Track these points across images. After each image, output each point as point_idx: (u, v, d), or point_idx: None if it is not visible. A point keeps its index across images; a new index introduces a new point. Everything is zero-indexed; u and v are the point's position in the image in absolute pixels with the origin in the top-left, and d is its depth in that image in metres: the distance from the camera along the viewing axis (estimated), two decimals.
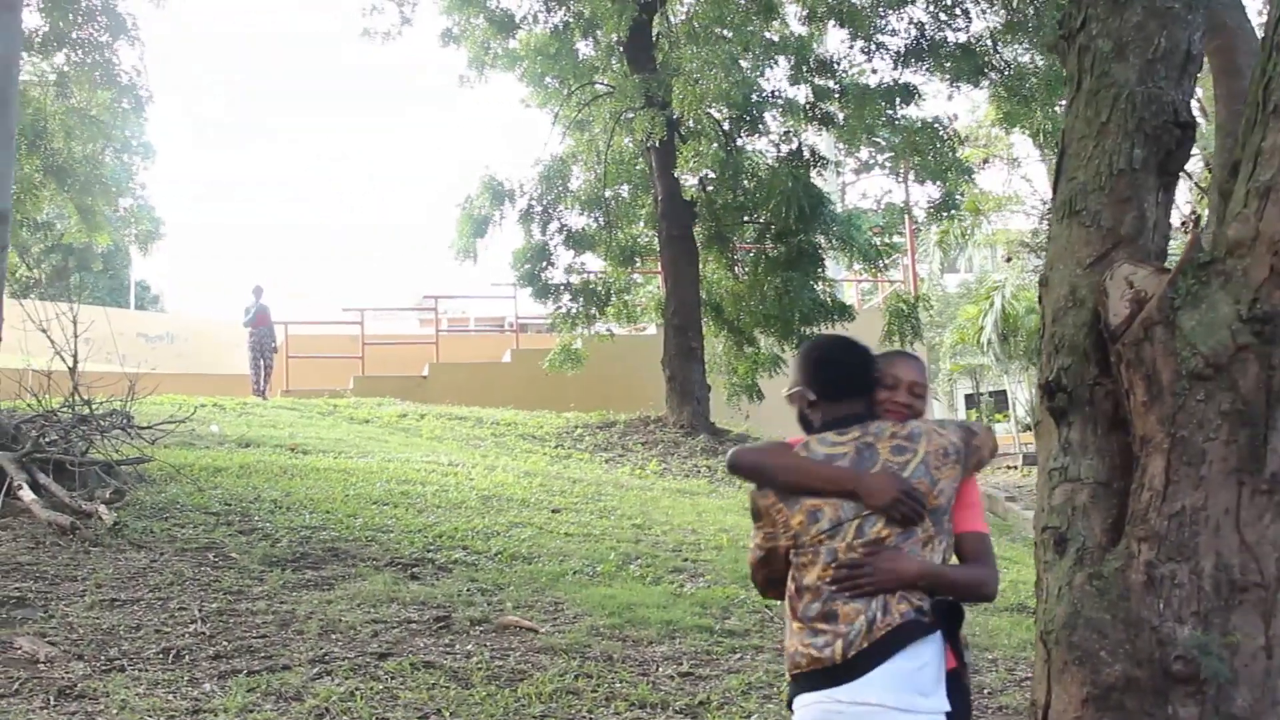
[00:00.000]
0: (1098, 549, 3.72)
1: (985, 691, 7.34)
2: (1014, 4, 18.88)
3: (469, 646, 7.40)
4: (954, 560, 3.85)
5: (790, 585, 3.79)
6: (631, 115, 19.98)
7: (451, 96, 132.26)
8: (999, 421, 35.59)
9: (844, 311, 20.27)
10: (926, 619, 3.64)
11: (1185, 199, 27.50)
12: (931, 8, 19.66)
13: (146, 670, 6.64)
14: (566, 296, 22.17)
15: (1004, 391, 35.25)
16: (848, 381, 3.91)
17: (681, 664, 7.41)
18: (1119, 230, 3.88)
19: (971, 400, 44.12)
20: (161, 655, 6.89)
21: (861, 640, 3.58)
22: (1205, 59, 8.66)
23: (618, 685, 6.88)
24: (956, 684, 4.02)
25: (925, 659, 3.61)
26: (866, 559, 3.63)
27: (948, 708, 3.64)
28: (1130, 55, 3.96)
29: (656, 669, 7.29)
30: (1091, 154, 3.98)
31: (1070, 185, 4.02)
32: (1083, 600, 3.67)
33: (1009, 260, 34.23)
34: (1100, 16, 4.04)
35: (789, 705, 3.79)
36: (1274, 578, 3.51)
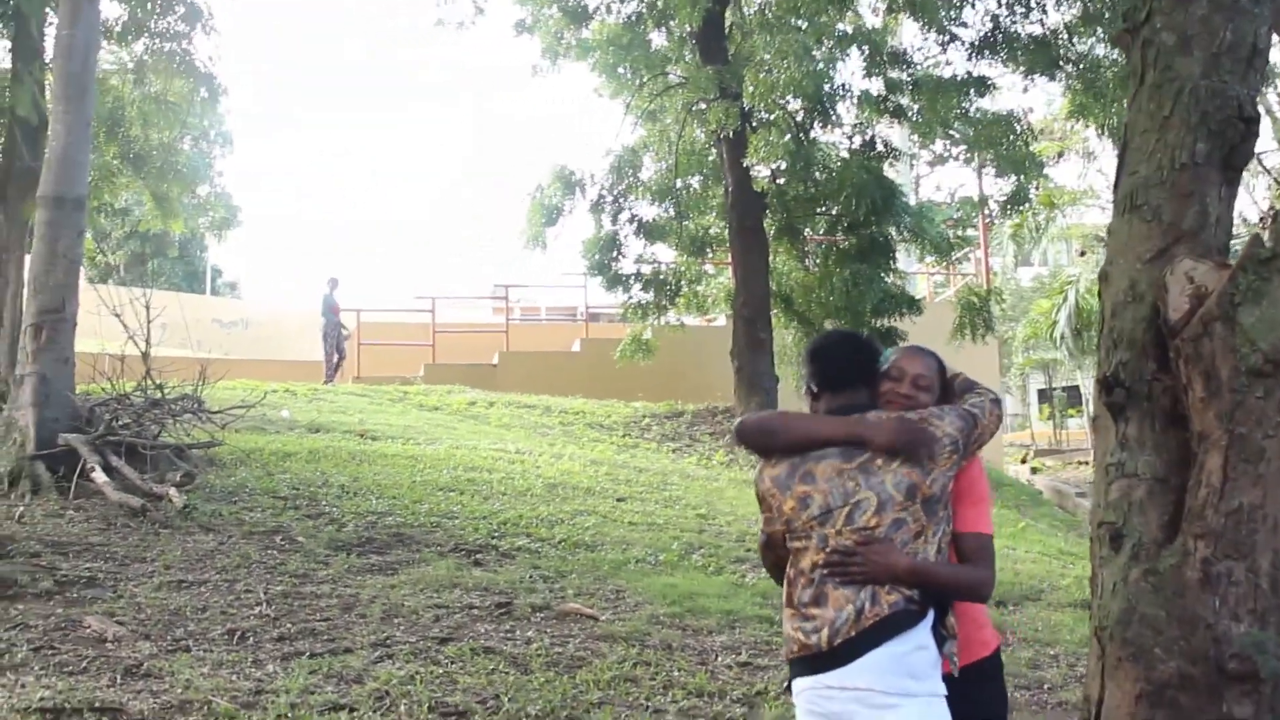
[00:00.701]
0: (1154, 545, 3.69)
1: (1045, 687, 7.31)
2: None
3: (529, 633, 7.45)
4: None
5: (790, 570, 3.80)
6: (704, 106, 19.93)
7: (454, 93, 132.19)
8: (1072, 416, 35.27)
9: (913, 304, 20.09)
10: (915, 607, 3.62)
11: (1265, 194, 27.16)
12: None
13: (211, 651, 6.73)
14: (637, 286, 22.21)
15: (1076, 386, 34.93)
16: (844, 373, 3.93)
17: (740, 654, 7.42)
18: (1180, 225, 3.84)
19: (1044, 395, 43.79)
20: (226, 636, 6.99)
21: (849, 629, 3.58)
22: None
23: (676, 674, 6.90)
24: (993, 668, 4.03)
25: (917, 644, 3.60)
26: (860, 548, 3.63)
27: (944, 690, 3.62)
28: (1195, 49, 3.92)
29: (715, 658, 7.30)
30: (1154, 148, 3.94)
31: (1132, 179, 3.98)
32: (1138, 596, 3.65)
33: (1083, 254, 33.87)
34: (1165, 10, 4.00)
35: (788, 688, 3.80)
36: None
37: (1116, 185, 4.08)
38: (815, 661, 3.63)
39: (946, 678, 3.67)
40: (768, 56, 18.88)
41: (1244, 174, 4.15)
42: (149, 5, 19.06)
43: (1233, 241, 4.09)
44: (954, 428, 3.76)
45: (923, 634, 3.62)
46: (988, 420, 3.87)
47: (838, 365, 3.95)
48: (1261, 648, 3.43)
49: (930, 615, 3.65)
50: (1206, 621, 3.50)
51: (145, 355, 12.33)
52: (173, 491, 9.95)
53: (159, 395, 12.35)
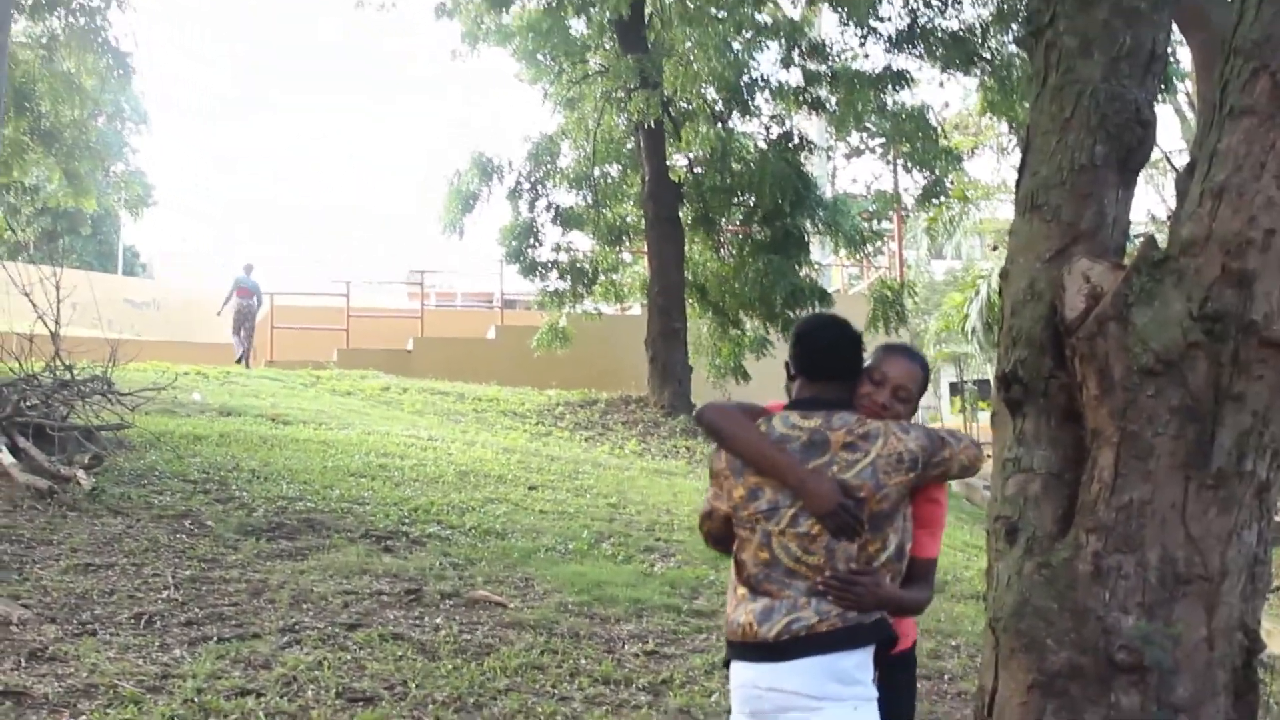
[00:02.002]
0: (1047, 539, 3.78)
1: (946, 677, 7.42)
2: None
3: (438, 619, 7.46)
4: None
5: (736, 553, 3.79)
6: (623, 95, 19.96)
7: (443, 85, 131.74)
8: (983, 410, 35.55)
9: (824, 297, 20.30)
10: (870, 622, 3.64)
11: (1173, 193, 27.55)
12: None
13: (118, 635, 6.69)
14: (554, 274, 22.25)
15: (987, 380, 35.23)
16: (821, 364, 3.85)
17: (647, 642, 7.47)
18: (1079, 225, 3.93)
19: (955, 388, 44.14)
20: (133, 620, 6.95)
21: (801, 629, 3.57)
22: (1191, 56, 8.66)
23: (583, 662, 6.94)
24: (907, 661, 4.11)
25: (858, 660, 3.61)
26: (861, 578, 3.62)
27: (874, 694, 3.65)
28: (1096, 53, 4.01)
29: (622, 646, 7.35)
30: (1054, 149, 4.02)
31: (1033, 180, 4.07)
32: (1031, 589, 3.72)
33: (995, 249, 34.23)
34: (1068, 14, 4.08)
35: (726, 665, 3.83)
36: (1217, 570, 3.57)
37: (1019, 185, 4.17)
38: (755, 650, 3.63)
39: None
40: (689, 45, 18.96)
41: (1154, 173, 4.27)
42: None
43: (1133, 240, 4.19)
44: (916, 444, 3.73)
45: (868, 650, 3.64)
46: (959, 451, 3.87)
47: (816, 355, 3.87)
48: (1149, 639, 3.52)
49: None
50: (1097, 614, 3.59)
51: (54, 335, 12.17)
52: (81, 474, 9.85)
53: (68, 376, 12.20)
